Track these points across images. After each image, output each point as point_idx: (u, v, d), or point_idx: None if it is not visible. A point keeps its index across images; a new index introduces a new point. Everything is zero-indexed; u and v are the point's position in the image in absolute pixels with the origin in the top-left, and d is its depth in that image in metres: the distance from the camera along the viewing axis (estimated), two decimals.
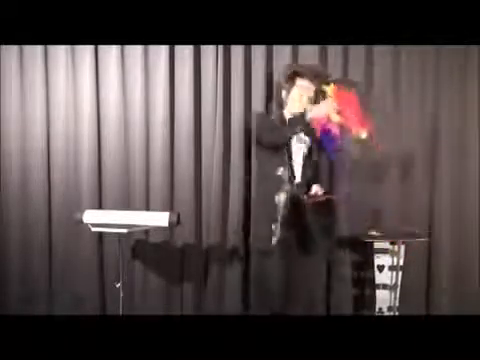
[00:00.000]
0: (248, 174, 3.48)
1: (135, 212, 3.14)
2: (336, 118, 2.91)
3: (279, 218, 3.04)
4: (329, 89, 3.00)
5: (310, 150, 3.18)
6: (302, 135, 3.12)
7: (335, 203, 3.33)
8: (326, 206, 3.14)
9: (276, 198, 3.05)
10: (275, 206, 3.04)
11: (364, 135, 2.89)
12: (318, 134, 2.97)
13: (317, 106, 2.99)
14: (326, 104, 2.95)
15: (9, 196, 3.56)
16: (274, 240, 3.02)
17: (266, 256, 3.05)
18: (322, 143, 3.05)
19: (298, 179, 3.11)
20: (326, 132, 2.96)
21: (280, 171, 3.05)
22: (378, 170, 3.52)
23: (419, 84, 3.51)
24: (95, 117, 3.50)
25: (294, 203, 3.04)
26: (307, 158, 3.16)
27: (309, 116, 2.94)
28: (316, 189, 3.12)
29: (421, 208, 3.55)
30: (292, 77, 3.12)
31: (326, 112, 2.91)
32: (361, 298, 3.54)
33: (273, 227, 3.03)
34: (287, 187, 3.06)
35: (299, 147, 3.14)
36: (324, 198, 3.09)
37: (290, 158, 3.09)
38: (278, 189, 3.06)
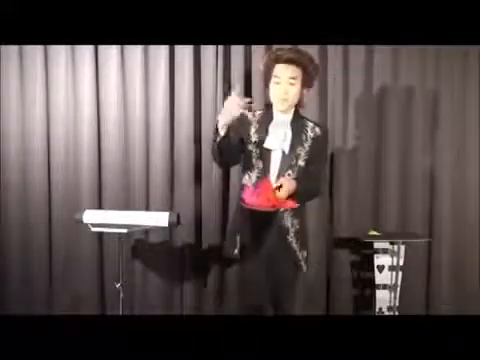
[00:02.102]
0: None
1: (135, 212, 3.14)
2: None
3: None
4: None
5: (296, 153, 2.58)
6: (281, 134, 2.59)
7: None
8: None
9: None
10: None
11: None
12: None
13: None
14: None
15: (9, 196, 3.56)
16: (236, 251, 2.67)
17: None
18: None
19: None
20: None
21: (245, 179, 2.64)
22: (378, 170, 3.53)
23: (419, 84, 3.51)
24: (95, 117, 3.50)
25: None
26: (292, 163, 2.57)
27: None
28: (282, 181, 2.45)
29: (421, 208, 3.54)
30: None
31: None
32: (361, 298, 3.54)
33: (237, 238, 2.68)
34: None
35: (274, 148, 2.58)
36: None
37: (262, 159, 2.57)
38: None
